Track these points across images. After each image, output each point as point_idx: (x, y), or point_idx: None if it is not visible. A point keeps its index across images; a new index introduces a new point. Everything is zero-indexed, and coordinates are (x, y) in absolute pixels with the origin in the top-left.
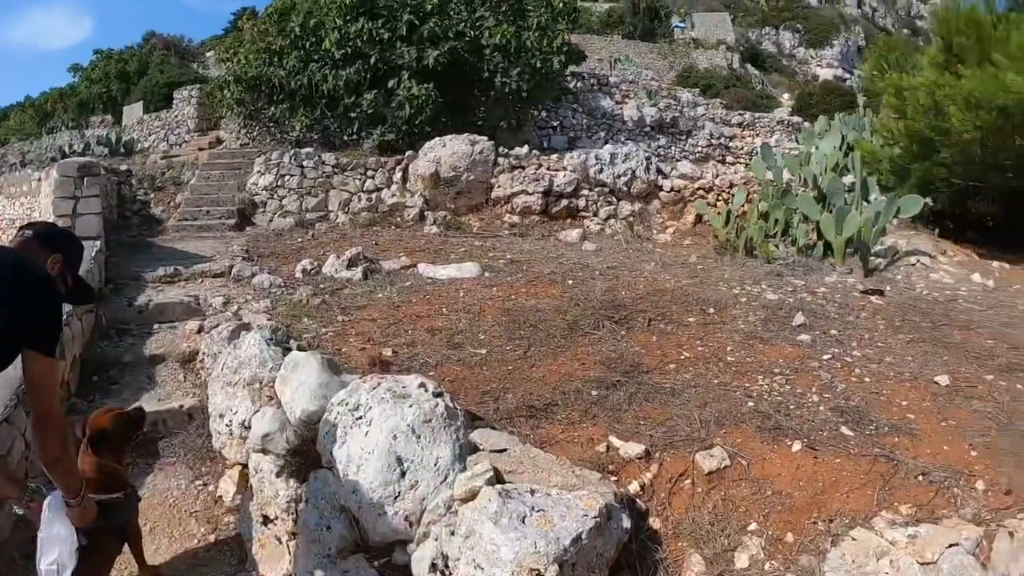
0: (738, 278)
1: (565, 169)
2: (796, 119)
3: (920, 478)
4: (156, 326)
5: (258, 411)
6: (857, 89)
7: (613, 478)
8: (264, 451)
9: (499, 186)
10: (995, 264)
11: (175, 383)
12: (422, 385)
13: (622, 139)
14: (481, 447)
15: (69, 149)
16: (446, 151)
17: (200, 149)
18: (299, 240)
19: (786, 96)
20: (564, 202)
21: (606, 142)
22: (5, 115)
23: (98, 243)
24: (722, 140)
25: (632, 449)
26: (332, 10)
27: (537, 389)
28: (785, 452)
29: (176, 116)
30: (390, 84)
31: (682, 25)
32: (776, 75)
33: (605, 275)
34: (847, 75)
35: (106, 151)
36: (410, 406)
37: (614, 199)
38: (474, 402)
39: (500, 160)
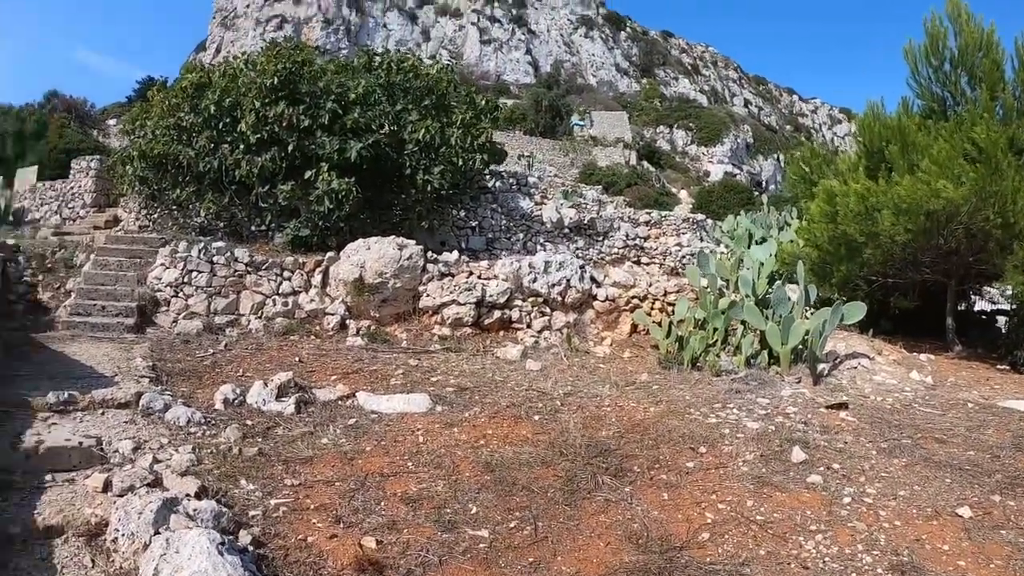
0: (703, 399)
1: (497, 278)
2: (699, 216)
3: None
4: (49, 478)
5: None
6: (749, 184)
7: None
8: None
9: (428, 295)
10: (923, 357)
11: (81, 570)
12: None
13: (540, 241)
14: None
15: None
16: (371, 255)
17: (96, 227)
18: (211, 351)
19: (683, 193)
20: (497, 313)
21: (524, 244)
22: None
23: None
24: (637, 241)
25: None
26: (251, 91)
27: None
28: None
29: (72, 188)
30: (307, 175)
31: (582, 123)
32: (671, 171)
33: (568, 405)
34: (737, 171)
35: None
36: None
37: (548, 310)
38: None
39: (429, 267)
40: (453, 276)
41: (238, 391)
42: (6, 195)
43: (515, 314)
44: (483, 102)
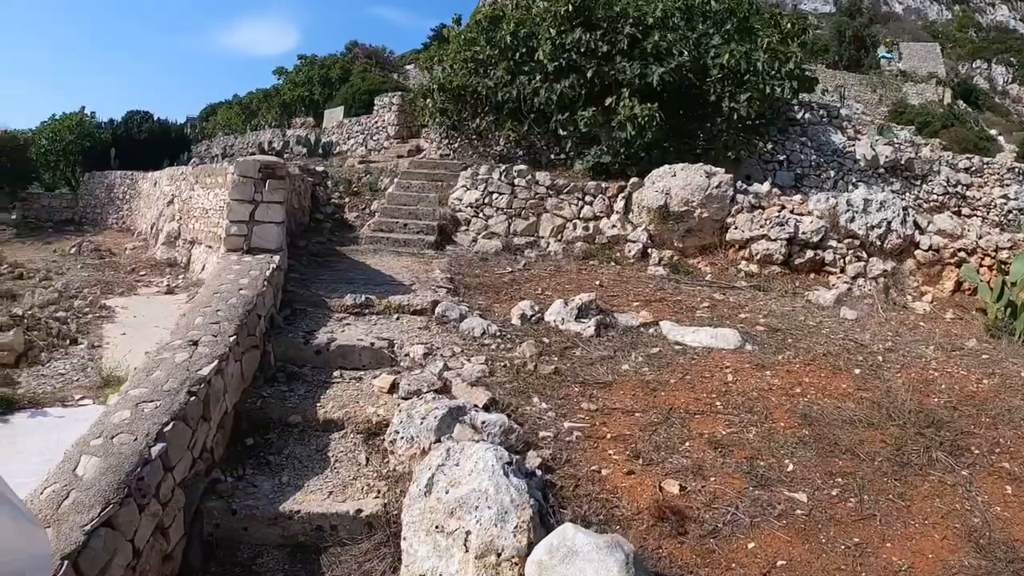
0: None
1: (811, 214)
2: None
3: None
4: (336, 374)
5: None
6: None
7: None
8: None
9: (736, 227)
10: None
11: (354, 467)
12: None
13: (853, 180)
14: None
15: (268, 146)
16: (677, 182)
17: (399, 156)
18: (508, 269)
19: (1002, 139)
20: (809, 253)
21: (835, 183)
22: (214, 111)
23: (276, 258)
24: (958, 188)
25: None
26: (546, 19)
27: None
28: None
29: (376, 122)
30: (607, 102)
31: (889, 56)
32: (989, 114)
33: (890, 363)
34: None
35: (304, 151)
36: None
37: (864, 254)
38: None
39: (738, 197)
40: (763, 209)
41: (536, 308)
42: (316, 131)
43: (828, 256)
44: (789, 24)
